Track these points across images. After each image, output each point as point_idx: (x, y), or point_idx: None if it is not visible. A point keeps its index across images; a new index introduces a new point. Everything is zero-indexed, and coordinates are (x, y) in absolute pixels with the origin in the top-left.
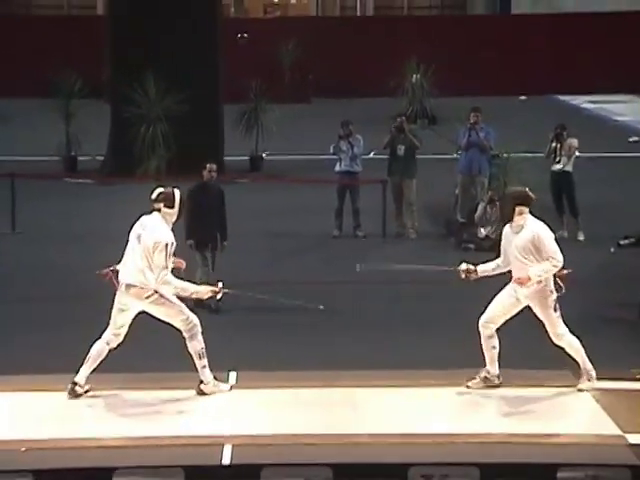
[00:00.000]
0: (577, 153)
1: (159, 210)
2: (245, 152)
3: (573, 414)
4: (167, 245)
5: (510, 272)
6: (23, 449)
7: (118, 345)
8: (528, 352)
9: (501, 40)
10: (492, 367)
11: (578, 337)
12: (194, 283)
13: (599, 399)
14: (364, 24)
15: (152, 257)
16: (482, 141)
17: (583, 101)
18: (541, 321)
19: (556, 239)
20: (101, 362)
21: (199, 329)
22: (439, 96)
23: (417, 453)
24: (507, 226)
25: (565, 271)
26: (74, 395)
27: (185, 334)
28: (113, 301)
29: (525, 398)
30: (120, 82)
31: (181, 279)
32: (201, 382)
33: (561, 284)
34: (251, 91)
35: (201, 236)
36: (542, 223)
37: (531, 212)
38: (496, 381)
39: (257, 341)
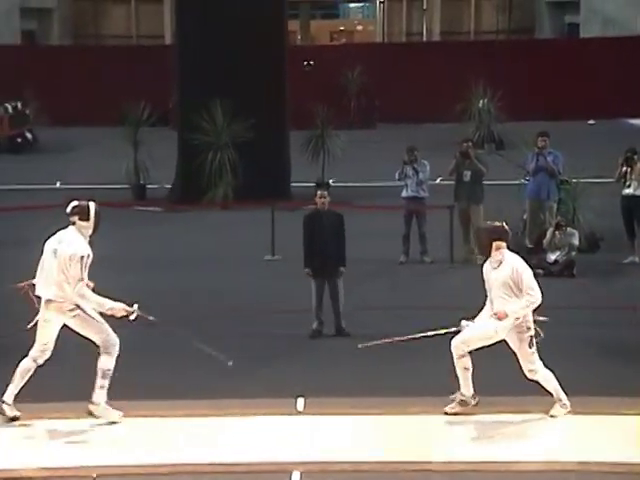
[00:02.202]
0: None
1: (74, 223)
2: (312, 178)
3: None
4: (83, 257)
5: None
6: (94, 475)
7: (45, 362)
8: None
9: (569, 64)
10: (466, 389)
11: (552, 370)
12: None
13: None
14: (430, 49)
15: (68, 270)
16: (550, 166)
17: None
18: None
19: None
20: (29, 379)
21: (116, 349)
22: (506, 121)
23: None
24: (486, 263)
25: (542, 318)
26: (1, 414)
27: (101, 349)
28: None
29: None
30: (187, 110)
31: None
32: (91, 403)
33: (540, 331)
34: (317, 117)
35: (317, 264)
36: (519, 258)
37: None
38: (472, 402)
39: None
